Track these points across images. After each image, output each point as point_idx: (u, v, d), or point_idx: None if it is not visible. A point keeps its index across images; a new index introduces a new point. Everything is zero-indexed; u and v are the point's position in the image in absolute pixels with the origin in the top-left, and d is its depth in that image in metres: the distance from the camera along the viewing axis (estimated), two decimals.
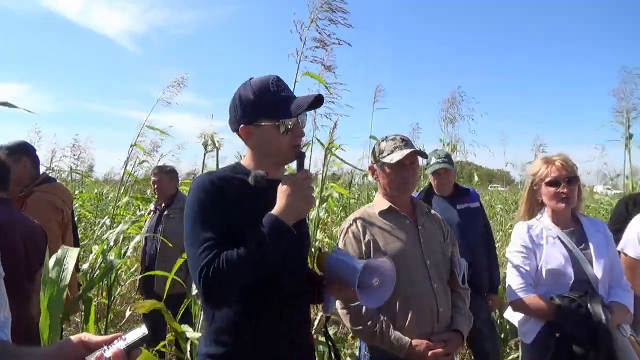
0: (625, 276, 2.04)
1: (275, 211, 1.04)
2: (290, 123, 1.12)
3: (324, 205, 3.77)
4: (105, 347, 0.72)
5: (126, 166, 4.00)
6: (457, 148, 4.26)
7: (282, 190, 1.06)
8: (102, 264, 2.64)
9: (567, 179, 1.76)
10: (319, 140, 2.98)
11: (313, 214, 3.23)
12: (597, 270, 1.68)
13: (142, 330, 0.73)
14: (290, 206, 1.04)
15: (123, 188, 4.13)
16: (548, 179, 1.78)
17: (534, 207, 1.89)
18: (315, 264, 1.29)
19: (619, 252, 2.01)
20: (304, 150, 1.18)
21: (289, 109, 1.12)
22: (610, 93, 3.59)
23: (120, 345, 0.71)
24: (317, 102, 1.16)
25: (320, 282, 1.26)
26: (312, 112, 2.79)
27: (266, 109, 1.13)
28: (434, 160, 2.57)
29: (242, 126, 1.17)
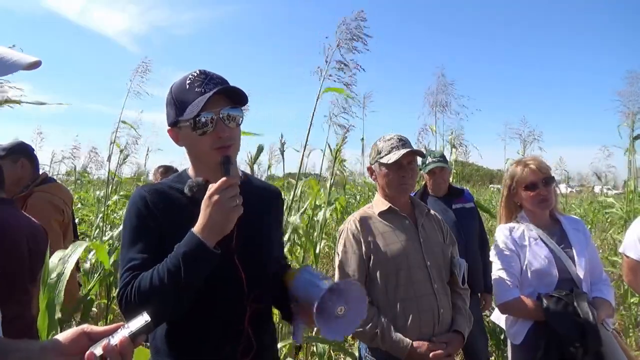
0: (626, 278, 2.05)
1: (195, 228, 0.93)
2: (204, 120, 0.99)
3: (331, 208, 3.77)
4: (110, 337, 0.73)
5: (109, 164, 3.92)
6: (453, 144, 4.17)
7: (202, 203, 0.93)
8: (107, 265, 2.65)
9: (544, 181, 1.79)
10: (328, 145, 3.11)
11: (319, 216, 3.25)
12: (579, 268, 1.71)
13: (144, 318, 0.74)
14: (210, 221, 0.91)
15: (110, 187, 4.09)
16: (525, 183, 1.81)
17: (513, 210, 1.91)
18: (284, 284, 1.17)
19: (620, 254, 2.02)
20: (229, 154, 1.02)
21: (194, 106, 0.99)
22: (617, 95, 3.63)
23: (124, 332, 0.73)
24: (235, 96, 1.03)
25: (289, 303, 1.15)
26: (329, 118, 2.88)
27: (180, 108, 1.03)
28: (429, 160, 2.60)
29: (168, 129, 1.10)
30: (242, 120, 1.08)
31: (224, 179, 0.93)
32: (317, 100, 2.41)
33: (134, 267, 0.96)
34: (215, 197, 0.91)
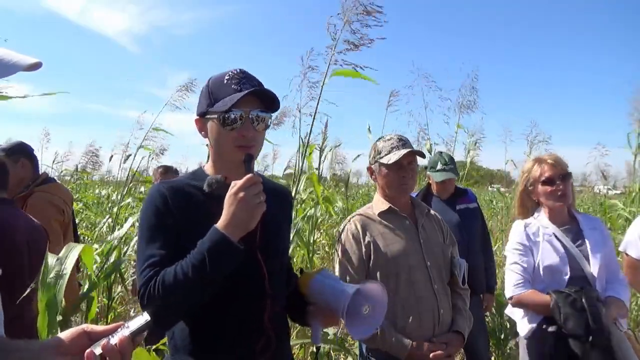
0: (627, 276, 2.05)
1: (219, 224, 0.94)
2: (233, 116, 1.02)
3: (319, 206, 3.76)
4: (110, 336, 0.74)
5: (131, 165, 4.00)
6: (475, 145, 4.17)
7: (226, 200, 0.95)
8: (106, 265, 2.66)
9: (561, 176, 1.80)
10: (301, 139, 2.99)
11: (310, 213, 3.22)
12: (593, 266, 1.72)
13: (144, 317, 0.75)
14: (234, 218, 0.92)
15: (126, 188, 4.14)
16: (542, 178, 1.82)
17: (529, 206, 1.92)
18: (299, 286, 1.18)
19: (620, 252, 2.03)
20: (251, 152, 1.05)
21: (228, 100, 1.03)
22: (632, 103, 3.82)
23: (124, 332, 0.74)
24: (268, 100, 1.06)
25: (304, 304, 1.16)
26: (297, 111, 2.77)
27: (213, 100, 1.06)
28: (439, 166, 2.53)
29: (195, 118, 1.12)
30: (269, 125, 1.10)
31: (248, 176, 0.95)
32: (322, 88, 2.20)
33: (154, 263, 0.97)
34: (241, 194, 0.92)
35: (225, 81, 1.06)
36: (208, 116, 1.07)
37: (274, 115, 1.13)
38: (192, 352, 1.05)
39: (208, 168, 1.15)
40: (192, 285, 0.92)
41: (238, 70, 1.08)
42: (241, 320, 1.06)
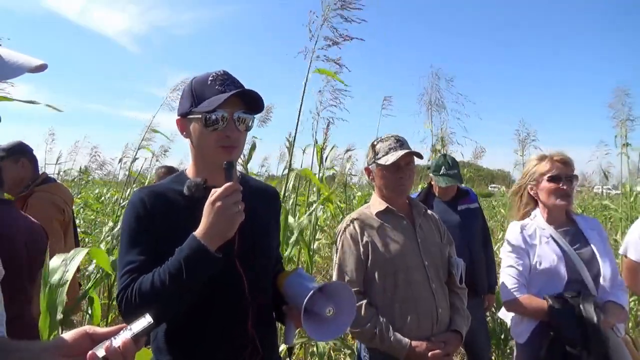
0: (626, 279, 2.03)
1: (197, 232, 0.93)
2: (215, 117, 1.01)
3: (321, 206, 3.76)
4: (112, 338, 0.73)
5: (131, 166, 4.03)
6: (444, 141, 4.16)
7: (205, 208, 0.94)
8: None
9: (568, 177, 1.76)
10: (316, 142, 3.01)
11: (312, 214, 3.23)
12: (605, 268, 1.67)
13: (146, 320, 0.75)
14: (212, 227, 0.92)
15: (129, 189, 4.15)
16: (550, 174, 1.77)
17: (528, 206, 1.88)
18: (277, 286, 1.17)
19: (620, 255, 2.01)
20: (233, 160, 1.03)
21: (212, 101, 1.02)
22: (608, 106, 4.00)
23: (126, 334, 0.73)
24: (252, 102, 1.06)
25: (283, 304, 1.15)
26: (316, 114, 2.80)
27: (196, 101, 1.05)
28: (442, 170, 2.51)
29: (177, 118, 1.12)
30: (252, 126, 1.09)
31: (227, 184, 0.93)
32: (305, 85, 2.19)
33: (132, 269, 0.97)
34: (219, 203, 0.91)
35: (209, 82, 1.06)
36: (191, 116, 1.06)
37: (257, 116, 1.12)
38: (174, 355, 1.05)
39: (190, 170, 1.13)
40: (169, 292, 0.92)
41: (222, 72, 1.08)
42: (223, 328, 1.06)
